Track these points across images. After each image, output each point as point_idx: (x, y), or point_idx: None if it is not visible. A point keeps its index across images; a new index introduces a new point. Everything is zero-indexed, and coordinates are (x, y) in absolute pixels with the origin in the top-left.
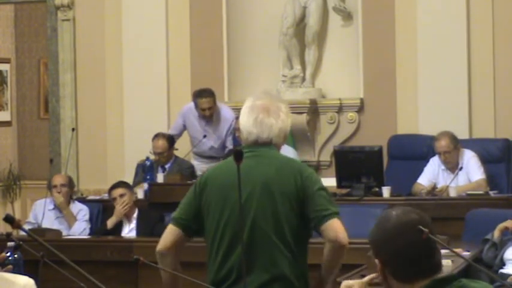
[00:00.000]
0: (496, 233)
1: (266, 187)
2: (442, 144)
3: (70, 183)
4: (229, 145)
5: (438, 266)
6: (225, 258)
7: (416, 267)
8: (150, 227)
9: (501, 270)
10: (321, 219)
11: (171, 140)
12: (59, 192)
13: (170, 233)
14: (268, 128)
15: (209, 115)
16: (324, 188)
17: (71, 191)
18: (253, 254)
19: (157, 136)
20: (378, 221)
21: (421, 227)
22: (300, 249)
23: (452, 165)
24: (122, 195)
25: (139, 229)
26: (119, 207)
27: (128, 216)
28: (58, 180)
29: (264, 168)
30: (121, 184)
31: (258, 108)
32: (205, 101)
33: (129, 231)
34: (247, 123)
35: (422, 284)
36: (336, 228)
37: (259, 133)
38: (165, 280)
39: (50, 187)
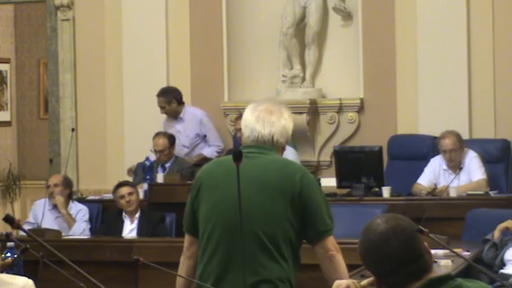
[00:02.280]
0: (496, 233)
1: (264, 189)
2: (448, 142)
3: (65, 183)
4: (213, 142)
5: (427, 268)
6: (212, 255)
7: (406, 271)
8: (151, 228)
9: (501, 271)
10: (317, 235)
11: (172, 138)
12: (51, 193)
13: (186, 241)
14: (270, 125)
15: (164, 113)
16: (323, 196)
17: (69, 191)
18: (241, 253)
19: (158, 134)
20: (362, 232)
21: (421, 227)
22: (290, 254)
23: (455, 165)
24: (130, 194)
25: (140, 229)
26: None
27: (130, 216)
28: (52, 180)
29: (263, 170)
30: (129, 183)
31: (261, 110)
32: (158, 100)
33: (129, 231)
34: (250, 121)
35: (416, 285)
36: (329, 247)
37: (261, 129)
38: (177, 284)
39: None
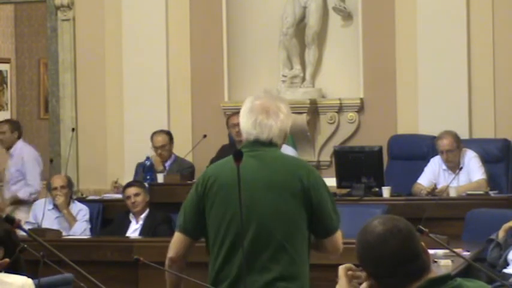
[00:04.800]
0: (501, 233)
1: (272, 186)
2: (445, 142)
3: (69, 184)
4: (29, 182)
5: (426, 268)
6: (227, 257)
7: (404, 271)
8: (152, 228)
9: (504, 270)
10: (325, 231)
11: (170, 134)
12: (58, 195)
13: (179, 241)
14: (268, 129)
15: (1, 139)
16: (328, 192)
17: (71, 191)
18: (257, 253)
19: (156, 132)
20: (359, 234)
21: (421, 227)
22: (304, 248)
23: (454, 165)
24: (136, 195)
25: (143, 229)
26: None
27: (136, 216)
28: (58, 182)
29: (270, 168)
30: (136, 184)
31: (257, 109)
32: (0, 125)
33: (133, 231)
34: (247, 125)
35: (416, 285)
36: (337, 241)
37: (259, 134)
38: (170, 283)
39: (50, 189)
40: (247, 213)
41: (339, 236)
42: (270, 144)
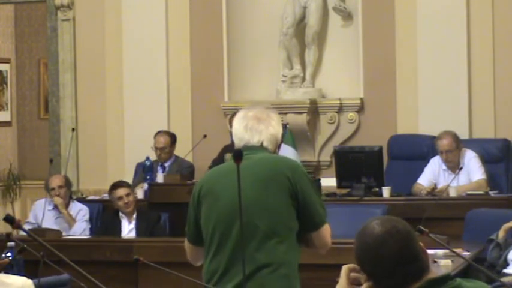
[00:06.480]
0: (501, 233)
1: (258, 181)
2: (445, 143)
3: (67, 183)
4: None
5: (425, 268)
6: (216, 252)
7: (403, 272)
8: (149, 228)
9: (504, 270)
10: (313, 225)
11: (173, 137)
12: (57, 195)
13: (188, 248)
14: (259, 133)
15: None
16: (314, 187)
17: (69, 191)
18: (241, 248)
19: (160, 132)
20: (358, 236)
21: (421, 227)
22: (291, 238)
23: (453, 165)
24: (128, 195)
25: (138, 229)
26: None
27: (128, 216)
28: (55, 182)
29: (256, 165)
30: (124, 184)
31: (249, 117)
32: None
33: (129, 231)
34: (238, 130)
35: (416, 286)
36: (325, 235)
37: (250, 138)
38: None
39: (48, 189)
40: (234, 208)
41: (327, 230)
42: (260, 147)
